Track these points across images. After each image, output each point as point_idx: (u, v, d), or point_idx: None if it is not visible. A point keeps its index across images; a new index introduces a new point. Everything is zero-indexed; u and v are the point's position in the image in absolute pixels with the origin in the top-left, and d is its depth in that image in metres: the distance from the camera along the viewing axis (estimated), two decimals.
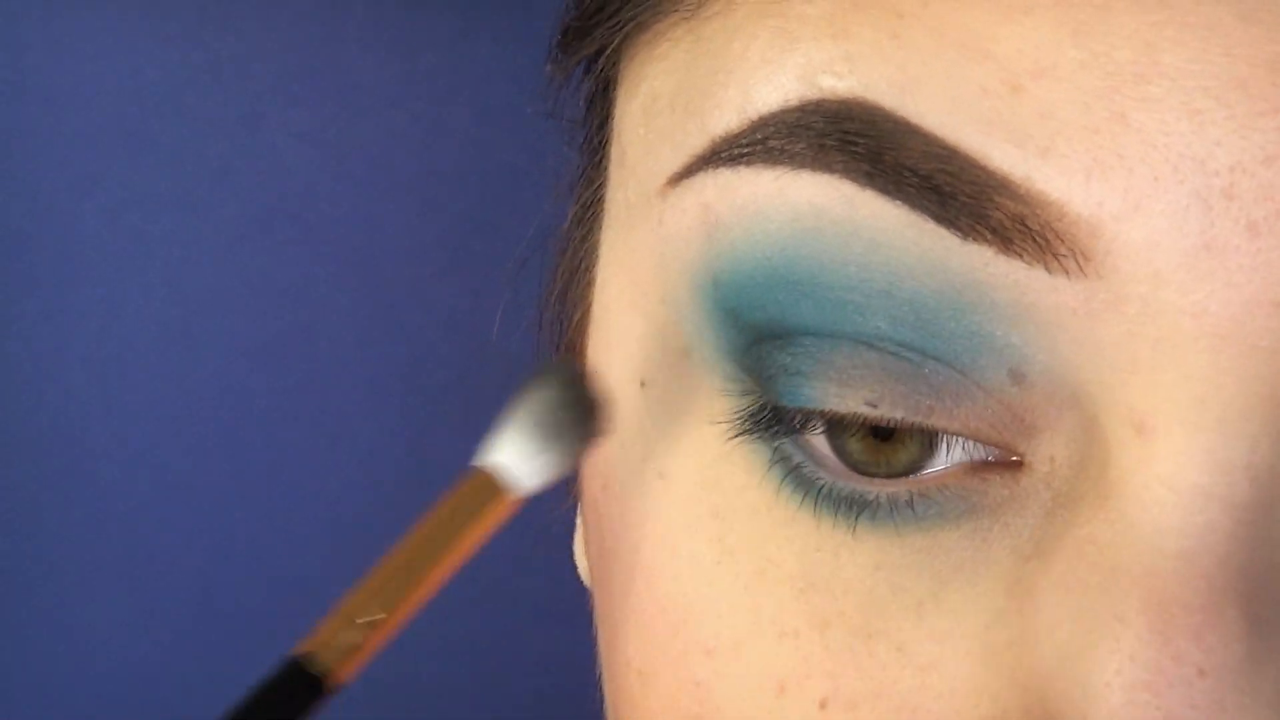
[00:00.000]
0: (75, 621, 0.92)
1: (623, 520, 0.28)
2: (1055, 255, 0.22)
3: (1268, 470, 0.22)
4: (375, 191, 0.92)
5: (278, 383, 0.93)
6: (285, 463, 0.93)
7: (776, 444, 0.25)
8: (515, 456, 0.26)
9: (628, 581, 0.27)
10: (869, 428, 0.25)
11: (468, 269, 0.92)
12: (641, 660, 0.27)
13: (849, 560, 0.25)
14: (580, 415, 0.26)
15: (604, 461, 0.28)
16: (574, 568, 0.36)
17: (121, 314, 0.90)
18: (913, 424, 0.24)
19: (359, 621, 0.24)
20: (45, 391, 0.90)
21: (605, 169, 0.30)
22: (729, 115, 0.25)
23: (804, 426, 0.25)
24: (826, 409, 0.24)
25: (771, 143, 0.24)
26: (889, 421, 0.24)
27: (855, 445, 0.25)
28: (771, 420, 0.25)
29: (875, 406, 0.24)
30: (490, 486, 0.25)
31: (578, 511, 0.34)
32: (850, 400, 0.24)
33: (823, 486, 0.25)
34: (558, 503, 0.36)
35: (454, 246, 0.93)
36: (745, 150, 0.24)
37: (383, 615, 0.24)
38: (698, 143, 0.25)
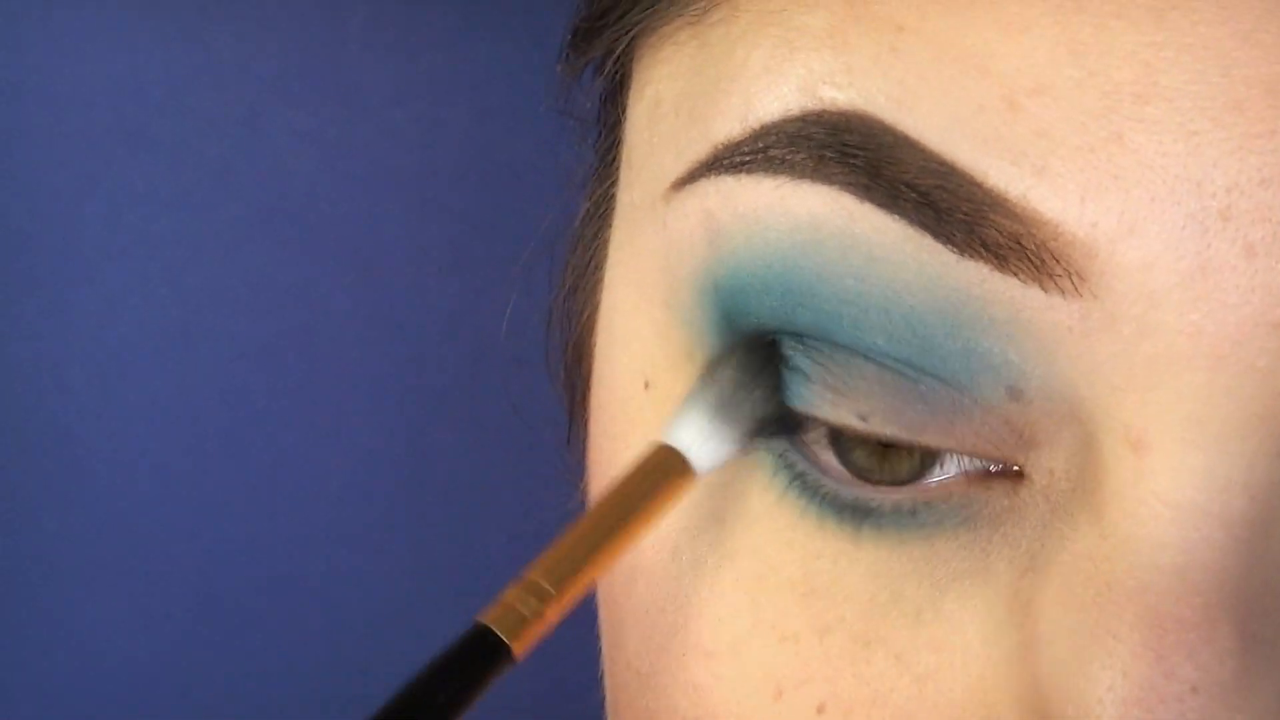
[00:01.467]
0: (75, 621, 0.92)
1: None
2: (1050, 275, 0.22)
3: (1265, 488, 0.22)
4: (375, 191, 0.92)
5: (278, 383, 0.93)
6: (285, 463, 0.93)
7: (781, 450, 0.25)
8: (699, 436, 0.25)
9: (629, 583, 0.27)
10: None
11: (468, 269, 0.92)
12: (641, 661, 0.27)
13: (850, 567, 0.25)
14: (759, 398, 0.25)
15: (608, 462, 0.29)
16: None
17: (121, 314, 0.90)
18: (905, 441, 0.24)
19: (542, 587, 0.24)
20: (45, 391, 0.90)
21: (616, 169, 0.30)
22: (731, 123, 0.25)
23: (803, 430, 0.25)
24: (820, 416, 0.24)
25: (773, 152, 0.24)
26: (880, 438, 0.24)
27: (859, 452, 0.25)
28: (773, 430, 0.25)
29: (865, 420, 0.24)
30: (674, 465, 0.25)
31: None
32: (843, 411, 0.24)
33: (827, 493, 0.25)
34: (564, 500, 0.36)
35: (454, 246, 0.93)
36: (747, 159, 0.24)
37: (555, 591, 0.24)
38: (701, 149, 0.25)
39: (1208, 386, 0.21)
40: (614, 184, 0.30)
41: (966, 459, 0.24)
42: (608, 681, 0.29)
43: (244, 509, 0.93)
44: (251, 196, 0.91)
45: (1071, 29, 0.22)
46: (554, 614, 0.24)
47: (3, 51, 0.87)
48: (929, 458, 0.24)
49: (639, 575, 0.27)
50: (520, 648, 0.24)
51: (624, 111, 0.30)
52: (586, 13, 0.30)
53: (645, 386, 0.27)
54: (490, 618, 0.24)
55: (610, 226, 0.30)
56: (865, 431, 0.24)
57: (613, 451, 0.28)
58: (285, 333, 0.92)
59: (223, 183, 0.90)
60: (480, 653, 0.24)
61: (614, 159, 0.30)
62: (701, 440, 0.25)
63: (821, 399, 0.24)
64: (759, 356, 0.25)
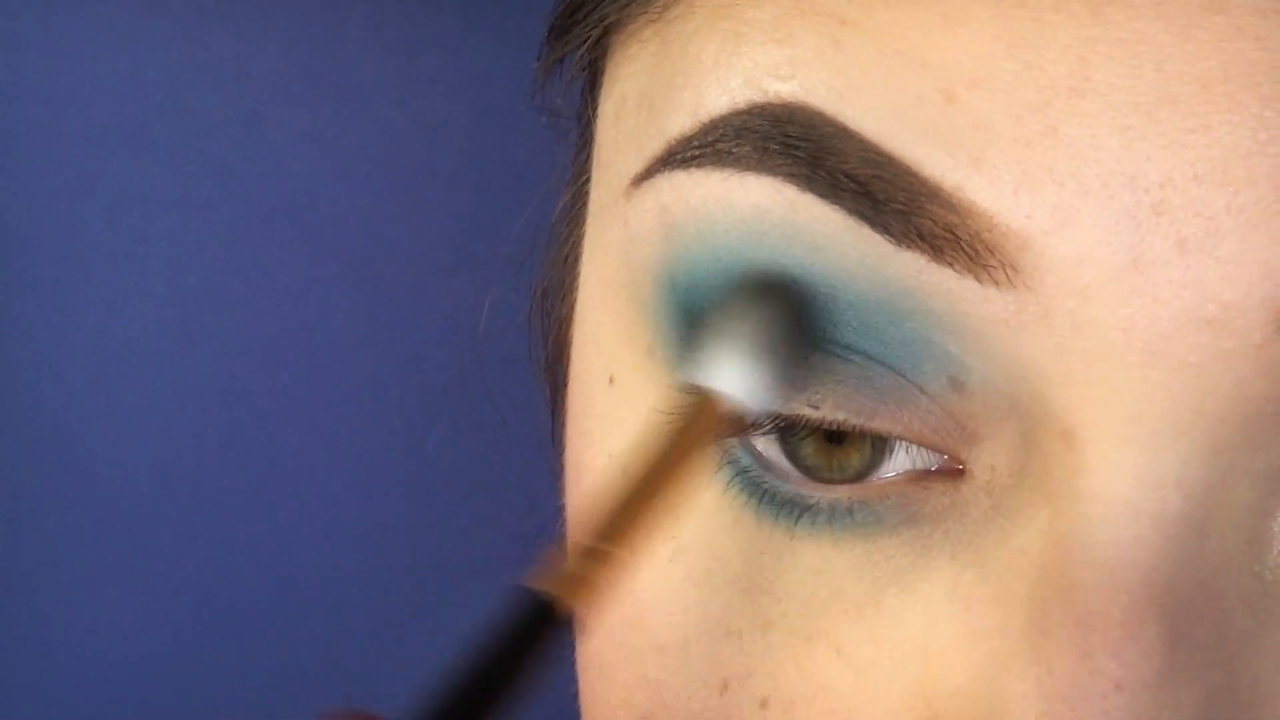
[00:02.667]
0: (75, 621, 0.92)
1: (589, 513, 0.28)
2: (985, 266, 0.22)
3: (1200, 485, 0.22)
4: (375, 191, 0.92)
5: (278, 383, 0.93)
6: (285, 462, 0.93)
7: (727, 444, 0.25)
8: (733, 376, 0.25)
9: None
10: (822, 431, 0.25)
11: (468, 269, 0.92)
12: (601, 656, 0.27)
13: (791, 564, 0.25)
14: (792, 332, 0.25)
15: (575, 456, 0.29)
16: None
17: (121, 314, 0.90)
18: (856, 426, 0.24)
19: (596, 549, 0.24)
20: (45, 391, 0.90)
21: (590, 166, 0.30)
22: (683, 118, 0.25)
23: (754, 425, 0.25)
24: (772, 407, 0.24)
25: (720, 145, 0.24)
26: (832, 424, 0.24)
27: (807, 449, 0.25)
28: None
29: (817, 408, 0.24)
30: (711, 406, 0.25)
31: None
32: (794, 400, 0.24)
33: (766, 489, 0.25)
34: (556, 498, 0.36)
35: (454, 246, 0.93)
36: (696, 153, 0.25)
37: (611, 548, 0.24)
38: (657, 144, 0.26)
39: (1141, 382, 0.21)
40: (588, 181, 0.30)
41: (914, 454, 0.24)
42: (579, 678, 0.30)
43: (244, 508, 0.93)
44: (251, 196, 0.91)
45: (1010, 23, 0.22)
46: (603, 574, 0.24)
47: (3, 51, 0.87)
48: (876, 454, 0.24)
49: None
50: (568, 610, 0.24)
51: (595, 110, 0.30)
52: (560, 10, 0.31)
53: (610, 382, 0.28)
54: (538, 583, 0.24)
55: (584, 224, 0.30)
56: (817, 419, 0.24)
57: (581, 448, 0.28)
58: (285, 333, 0.92)
59: (223, 183, 0.90)
60: (533, 619, 0.24)
61: (588, 157, 0.31)
62: (737, 379, 0.25)
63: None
64: (773, 294, 0.25)
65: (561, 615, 0.23)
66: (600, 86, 0.29)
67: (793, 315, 0.25)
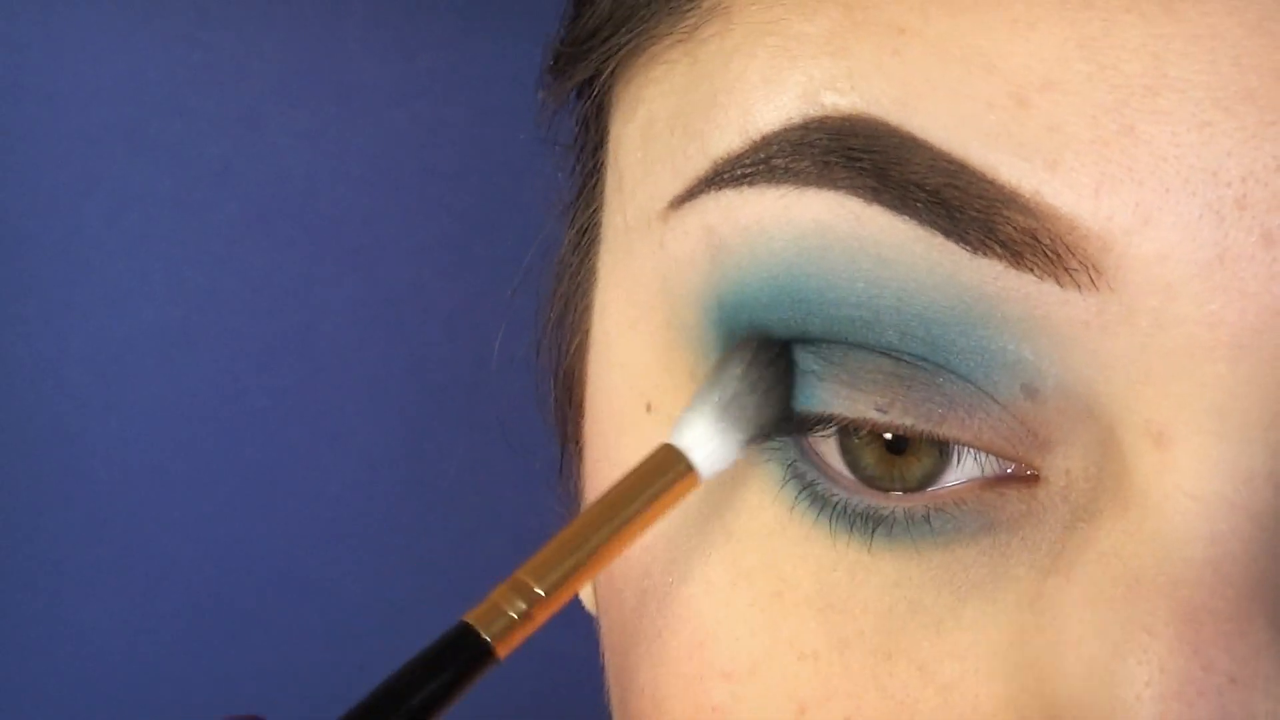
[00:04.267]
0: (75, 621, 0.92)
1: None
2: (1066, 269, 0.22)
3: None
4: (375, 191, 0.92)
5: (278, 383, 0.93)
6: (285, 463, 0.93)
7: (790, 461, 0.25)
8: (703, 437, 0.25)
9: (639, 607, 0.27)
10: (882, 440, 0.24)
11: (468, 269, 0.92)
12: (655, 686, 0.26)
13: (866, 579, 0.24)
14: (768, 397, 0.25)
15: (607, 484, 0.28)
16: None
17: (121, 314, 0.90)
18: (924, 432, 0.24)
19: (531, 589, 0.24)
20: (45, 391, 0.90)
21: (601, 194, 0.30)
22: (730, 136, 0.25)
23: (814, 430, 0.25)
24: (836, 413, 0.24)
25: (775, 161, 0.24)
26: (900, 429, 0.24)
27: (869, 459, 0.24)
28: (781, 429, 0.25)
29: (885, 412, 0.24)
30: (677, 465, 0.25)
31: None
32: (860, 404, 0.24)
33: (838, 503, 0.25)
34: (565, 500, 0.35)
35: (454, 246, 0.93)
36: (748, 170, 0.24)
37: (544, 593, 0.24)
38: (699, 164, 0.25)
39: (1230, 377, 0.21)
40: (599, 209, 0.30)
41: (980, 462, 0.24)
42: (617, 710, 0.29)
43: (244, 508, 0.93)
44: (251, 196, 0.91)
45: (1079, 25, 0.22)
46: (542, 616, 0.24)
47: (3, 51, 0.87)
48: (941, 463, 0.24)
49: (649, 598, 0.27)
50: (504, 648, 0.24)
51: (606, 135, 0.29)
52: (569, 37, 0.30)
53: (647, 409, 0.27)
54: (474, 616, 0.24)
55: (597, 253, 0.30)
56: (884, 423, 0.24)
57: (613, 478, 0.28)
58: (285, 333, 0.92)
59: (223, 183, 0.90)
60: (462, 651, 0.24)
61: (597, 184, 0.30)
62: (705, 440, 0.25)
63: (836, 395, 0.24)
64: (767, 356, 0.25)
65: (489, 653, 0.24)
66: (613, 112, 0.29)
67: (769, 377, 0.25)
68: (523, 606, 0.24)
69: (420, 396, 0.93)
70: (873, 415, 0.24)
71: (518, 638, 0.24)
